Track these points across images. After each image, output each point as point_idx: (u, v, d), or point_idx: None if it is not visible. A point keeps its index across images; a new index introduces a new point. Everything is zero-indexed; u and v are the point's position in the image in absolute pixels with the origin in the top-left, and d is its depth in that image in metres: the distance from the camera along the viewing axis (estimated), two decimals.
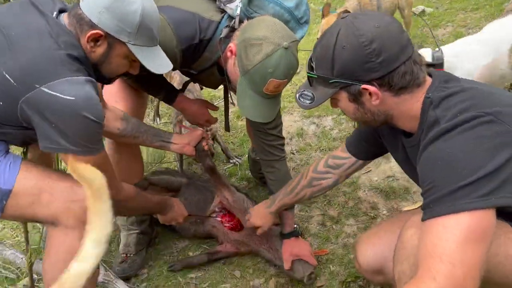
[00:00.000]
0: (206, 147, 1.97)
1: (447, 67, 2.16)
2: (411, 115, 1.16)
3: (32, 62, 1.23)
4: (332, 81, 1.15)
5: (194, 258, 2.10)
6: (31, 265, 1.60)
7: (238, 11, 1.64)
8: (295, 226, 1.95)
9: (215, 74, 1.83)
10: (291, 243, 1.91)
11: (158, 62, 1.46)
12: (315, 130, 2.89)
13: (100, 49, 1.36)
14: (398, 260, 1.14)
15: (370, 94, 1.13)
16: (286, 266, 1.87)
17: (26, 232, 1.65)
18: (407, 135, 1.24)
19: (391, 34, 1.09)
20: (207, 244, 2.21)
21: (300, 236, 1.96)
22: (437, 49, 2.21)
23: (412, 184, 2.32)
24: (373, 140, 1.49)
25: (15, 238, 2.39)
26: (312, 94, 1.22)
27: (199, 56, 1.72)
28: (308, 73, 1.21)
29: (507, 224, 1.12)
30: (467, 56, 2.20)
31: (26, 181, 1.35)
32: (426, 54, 2.18)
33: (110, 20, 1.32)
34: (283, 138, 2.01)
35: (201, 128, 2.06)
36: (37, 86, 1.21)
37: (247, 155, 2.66)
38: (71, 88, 1.23)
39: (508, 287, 1.13)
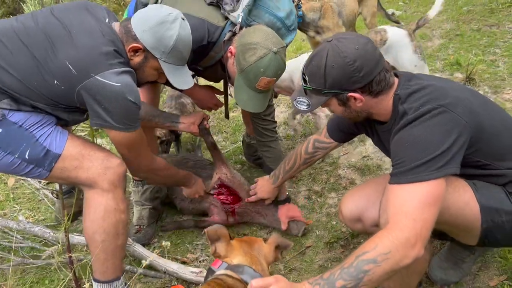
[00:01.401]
0: (207, 126, 2.31)
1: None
2: (386, 110, 1.51)
3: (89, 56, 1.55)
4: (325, 91, 1.46)
5: (184, 222, 2.44)
6: (68, 227, 1.87)
7: (240, 20, 1.95)
8: (287, 193, 2.33)
9: (218, 70, 2.16)
10: (286, 207, 2.31)
11: (182, 79, 1.80)
12: (299, 119, 3.24)
13: (137, 59, 1.70)
14: (385, 209, 1.44)
15: (355, 99, 1.46)
16: (284, 226, 2.27)
17: (62, 194, 1.93)
18: (380, 123, 1.60)
19: (368, 53, 1.40)
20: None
21: (291, 202, 2.35)
22: None
23: (383, 162, 2.70)
24: (348, 129, 1.87)
25: (33, 217, 2.66)
26: (308, 101, 1.53)
27: (206, 55, 2.03)
28: (304, 86, 1.53)
29: (462, 179, 1.48)
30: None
31: (73, 148, 1.65)
32: None
33: (150, 38, 1.66)
34: (275, 122, 2.37)
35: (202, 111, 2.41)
36: (93, 75, 1.54)
37: (240, 142, 2.99)
38: (117, 77, 1.56)
39: (455, 224, 1.50)
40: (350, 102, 1.48)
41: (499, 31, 3.80)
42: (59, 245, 2.22)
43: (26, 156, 1.58)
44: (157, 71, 1.76)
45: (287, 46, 2.13)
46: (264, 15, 1.99)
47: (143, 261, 1.70)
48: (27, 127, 1.58)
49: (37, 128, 1.60)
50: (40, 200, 2.82)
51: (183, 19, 1.73)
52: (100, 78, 1.53)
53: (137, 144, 1.73)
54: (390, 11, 4.79)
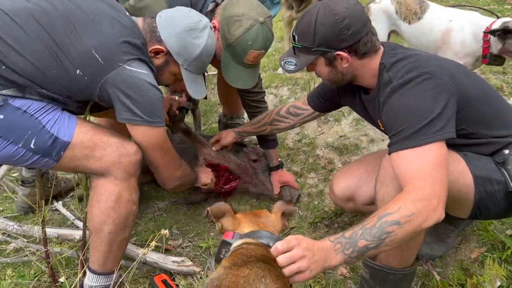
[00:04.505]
0: (176, 112, 2.19)
1: None
2: (370, 75, 1.52)
3: (116, 45, 1.43)
4: (313, 49, 1.46)
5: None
6: (45, 219, 1.71)
7: None
8: (280, 160, 2.31)
9: None
10: (278, 173, 2.29)
11: (197, 89, 1.71)
12: (273, 99, 3.19)
13: (157, 61, 1.60)
14: (383, 183, 1.44)
15: (341, 58, 1.47)
16: (276, 191, 2.23)
17: (40, 179, 1.77)
18: (366, 93, 1.59)
19: (357, 13, 1.42)
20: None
21: (283, 168, 2.33)
22: None
23: (360, 141, 2.72)
24: (330, 98, 1.86)
25: None
26: (296, 60, 1.53)
27: None
28: (293, 43, 1.51)
29: (454, 152, 1.48)
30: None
31: (83, 135, 1.49)
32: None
33: (176, 43, 1.57)
34: (263, 92, 2.32)
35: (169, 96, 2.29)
36: (121, 64, 1.41)
37: (213, 123, 2.89)
38: (143, 66, 1.48)
39: (450, 195, 1.50)
40: (337, 62, 1.49)
41: None
42: (24, 239, 2.07)
43: (32, 145, 1.41)
44: (174, 76, 1.68)
45: (272, 17, 2.05)
46: None
47: (141, 251, 1.57)
48: (32, 113, 1.41)
49: (43, 113, 1.43)
50: None
51: (211, 28, 1.65)
52: (128, 67, 1.42)
53: (168, 144, 1.63)
54: None
